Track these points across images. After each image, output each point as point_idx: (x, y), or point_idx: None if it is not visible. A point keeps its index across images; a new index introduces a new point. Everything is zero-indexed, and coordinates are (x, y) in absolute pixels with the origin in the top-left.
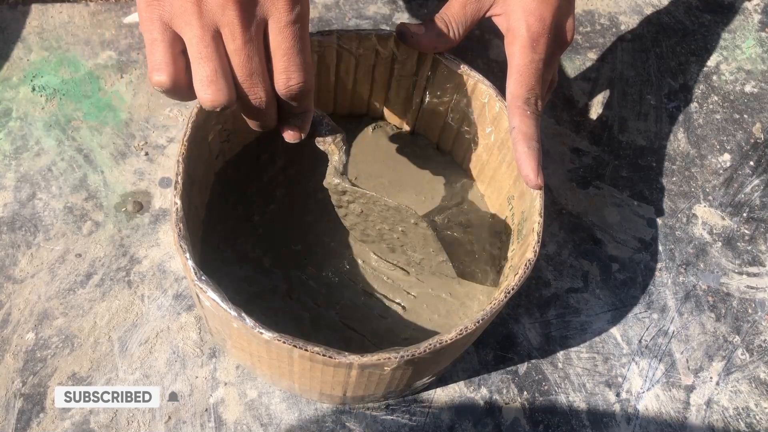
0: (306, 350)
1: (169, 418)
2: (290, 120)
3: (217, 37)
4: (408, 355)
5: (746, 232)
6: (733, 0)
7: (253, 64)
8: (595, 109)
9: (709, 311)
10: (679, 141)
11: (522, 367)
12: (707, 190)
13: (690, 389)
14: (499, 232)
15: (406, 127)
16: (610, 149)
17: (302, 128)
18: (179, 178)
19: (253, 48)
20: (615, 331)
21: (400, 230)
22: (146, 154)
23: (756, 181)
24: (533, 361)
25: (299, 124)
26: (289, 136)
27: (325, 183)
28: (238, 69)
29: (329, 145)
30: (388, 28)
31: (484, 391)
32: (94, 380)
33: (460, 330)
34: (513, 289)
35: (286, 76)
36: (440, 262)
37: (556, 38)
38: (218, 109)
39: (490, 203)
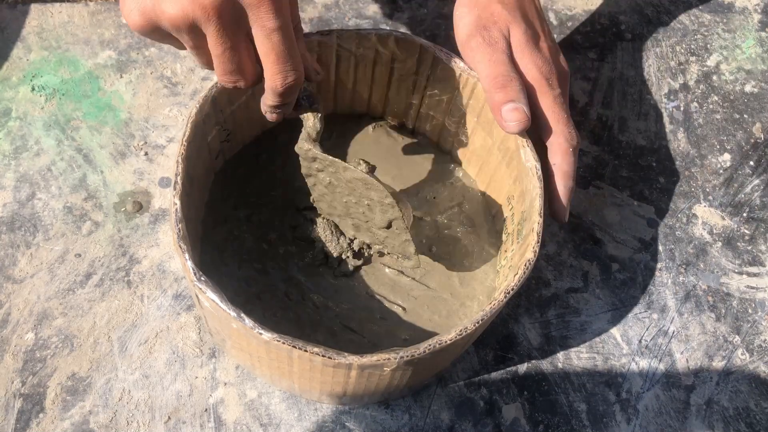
0: (305, 351)
1: (169, 418)
2: (278, 108)
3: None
4: (407, 356)
5: (746, 232)
6: (733, 0)
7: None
8: (595, 109)
9: (709, 311)
10: (679, 141)
11: (522, 367)
12: (707, 190)
13: (690, 389)
14: (499, 232)
15: (407, 127)
16: (610, 149)
17: (286, 112)
18: (179, 178)
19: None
20: (615, 331)
21: (366, 204)
22: (146, 154)
23: (756, 181)
24: (533, 361)
25: (285, 109)
26: (273, 118)
27: (296, 148)
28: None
29: (305, 111)
30: (388, 28)
31: (484, 391)
32: (93, 380)
33: (460, 331)
34: (513, 289)
35: (282, 77)
36: (403, 241)
37: (560, 67)
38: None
39: (490, 203)
